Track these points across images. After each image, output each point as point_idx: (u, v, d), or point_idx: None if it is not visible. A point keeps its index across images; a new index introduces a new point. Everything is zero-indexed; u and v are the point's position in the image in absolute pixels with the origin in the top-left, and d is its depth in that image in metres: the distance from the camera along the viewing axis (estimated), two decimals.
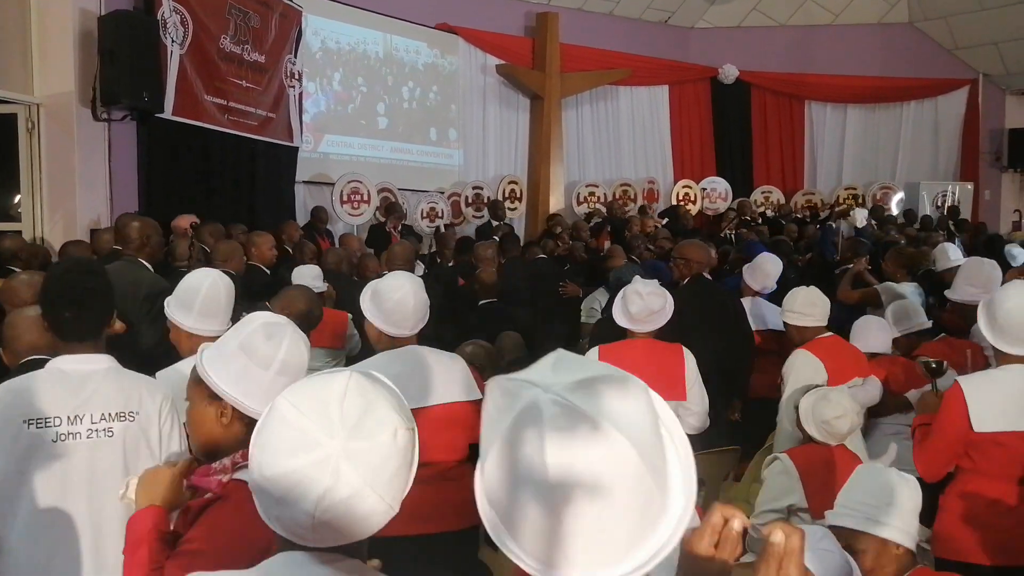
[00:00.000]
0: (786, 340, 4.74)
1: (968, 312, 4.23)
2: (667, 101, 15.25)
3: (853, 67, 15.36)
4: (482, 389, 3.26)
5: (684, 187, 14.92)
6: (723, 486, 4.62)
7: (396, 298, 3.38)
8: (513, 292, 6.54)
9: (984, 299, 3.32)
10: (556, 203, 13.44)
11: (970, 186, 15.43)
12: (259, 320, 2.09)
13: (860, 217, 10.45)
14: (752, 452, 4.60)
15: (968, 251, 8.24)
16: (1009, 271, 6.19)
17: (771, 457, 3.62)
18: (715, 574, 1.10)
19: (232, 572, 1.42)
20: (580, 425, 1.00)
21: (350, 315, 5.30)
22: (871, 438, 4.40)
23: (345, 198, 10.72)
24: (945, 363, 3.69)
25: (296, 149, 10.40)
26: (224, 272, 3.46)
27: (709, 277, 5.71)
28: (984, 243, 9.36)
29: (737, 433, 5.09)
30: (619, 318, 4.12)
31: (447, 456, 3.40)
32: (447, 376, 3.44)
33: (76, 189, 7.41)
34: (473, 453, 3.43)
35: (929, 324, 4.96)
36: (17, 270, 5.16)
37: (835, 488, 2.73)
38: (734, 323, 5.33)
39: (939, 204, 14.64)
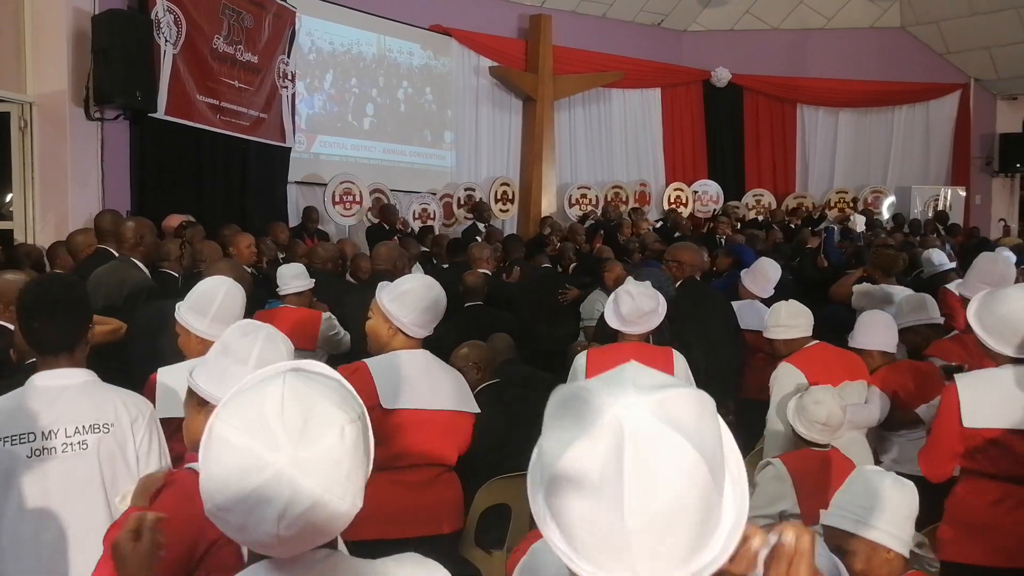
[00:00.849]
0: (774, 352, 4.72)
1: None
2: (659, 104, 15.27)
3: (845, 71, 15.40)
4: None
5: (676, 190, 14.95)
6: None
7: (432, 296, 3.33)
8: (501, 295, 6.49)
9: (978, 297, 3.24)
10: (548, 205, 13.46)
11: (962, 190, 15.46)
12: (236, 324, 2.27)
13: (859, 223, 10.47)
14: (745, 452, 4.58)
15: (959, 255, 8.28)
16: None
17: (763, 462, 3.61)
18: None
19: None
20: (661, 443, 1.00)
21: (330, 314, 5.22)
22: (873, 434, 4.39)
23: (337, 199, 10.74)
24: (965, 366, 3.66)
25: (288, 150, 10.36)
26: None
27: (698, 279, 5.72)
28: (975, 247, 9.38)
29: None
30: (610, 319, 4.12)
31: (444, 460, 3.40)
32: (451, 385, 3.44)
33: (68, 188, 7.38)
34: (459, 463, 3.45)
35: (941, 320, 4.92)
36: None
37: (828, 493, 2.73)
38: (725, 325, 5.36)
39: (932, 208, 14.65)
